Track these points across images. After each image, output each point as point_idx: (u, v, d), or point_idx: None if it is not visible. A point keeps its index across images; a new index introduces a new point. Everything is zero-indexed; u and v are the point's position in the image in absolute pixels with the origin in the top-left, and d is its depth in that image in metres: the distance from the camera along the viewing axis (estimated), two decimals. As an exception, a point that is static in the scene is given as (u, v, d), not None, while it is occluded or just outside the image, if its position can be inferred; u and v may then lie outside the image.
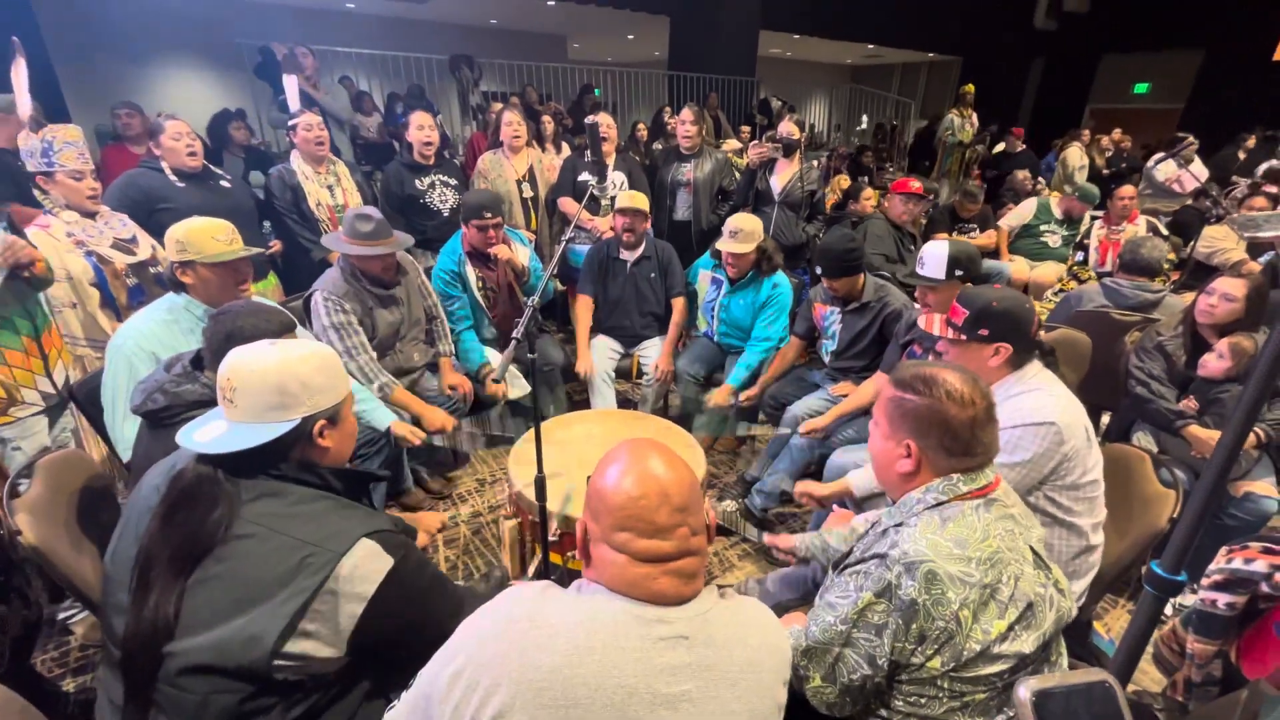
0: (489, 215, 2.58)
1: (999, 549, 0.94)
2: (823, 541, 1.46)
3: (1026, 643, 0.92)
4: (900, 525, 1.01)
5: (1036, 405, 1.37)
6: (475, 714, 0.71)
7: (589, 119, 1.68)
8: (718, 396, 2.61)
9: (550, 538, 1.61)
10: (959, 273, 1.95)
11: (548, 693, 0.71)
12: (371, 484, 1.15)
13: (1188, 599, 2.07)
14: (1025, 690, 0.37)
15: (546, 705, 0.70)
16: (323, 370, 1.02)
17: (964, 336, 1.46)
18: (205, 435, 0.97)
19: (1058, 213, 4.31)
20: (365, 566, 0.92)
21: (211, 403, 1.29)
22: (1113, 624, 2.05)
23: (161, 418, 1.33)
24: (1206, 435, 1.95)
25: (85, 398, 1.86)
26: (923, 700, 0.95)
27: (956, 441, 0.99)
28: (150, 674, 0.88)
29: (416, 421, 2.22)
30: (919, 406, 1.01)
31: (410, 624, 0.97)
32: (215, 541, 0.90)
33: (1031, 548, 0.99)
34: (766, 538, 1.60)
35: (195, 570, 0.90)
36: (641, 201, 2.79)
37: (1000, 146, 7.42)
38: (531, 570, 1.81)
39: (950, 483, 1.00)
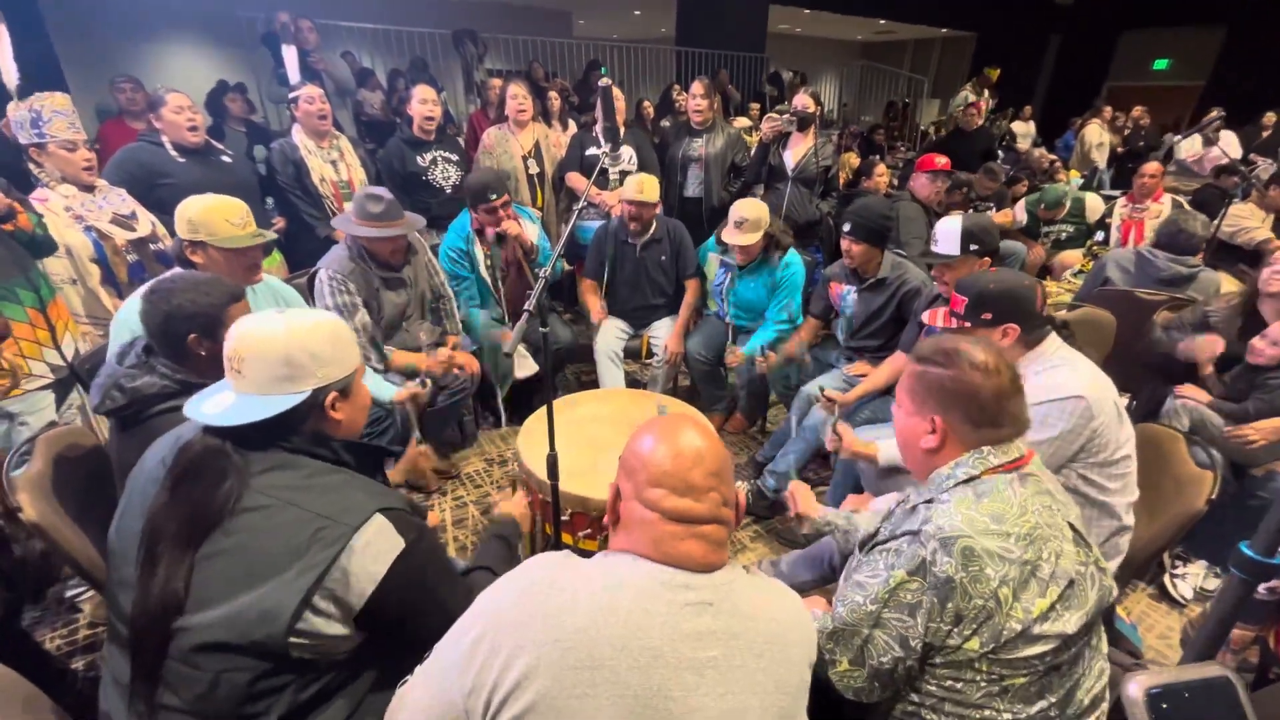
0: (494, 197, 2.51)
1: (1037, 524, 0.90)
2: (846, 520, 1.41)
3: (1069, 623, 0.88)
4: (931, 501, 0.96)
5: (1062, 380, 1.33)
6: (498, 679, 0.70)
7: (602, 81, 1.61)
8: (732, 359, 2.57)
9: (561, 517, 1.58)
10: (974, 246, 1.89)
11: (572, 654, 0.69)
12: (386, 459, 1.12)
13: (1214, 584, 2.04)
14: (1137, 688, 0.32)
15: (571, 667, 0.69)
16: (332, 341, 0.99)
17: (968, 324, 1.43)
18: (213, 407, 0.94)
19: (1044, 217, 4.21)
20: (377, 545, 0.89)
21: (172, 395, 1.26)
22: (1133, 608, 2.01)
23: (126, 415, 1.28)
24: (1195, 392, 1.96)
25: (88, 374, 1.83)
26: (958, 684, 0.91)
27: (983, 413, 0.95)
28: (159, 650, 0.86)
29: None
30: (943, 378, 0.98)
31: (417, 608, 0.94)
32: (224, 514, 0.87)
33: (1070, 524, 0.95)
34: (791, 486, 1.52)
35: (204, 543, 0.87)
36: (650, 192, 2.68)
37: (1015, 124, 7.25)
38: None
39: (980, 455, 0.96)
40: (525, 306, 1.19)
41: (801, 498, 1.48)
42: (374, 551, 0.88)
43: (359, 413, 1.07)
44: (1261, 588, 1.21)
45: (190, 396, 0.98)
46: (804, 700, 0.81)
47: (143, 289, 1.71)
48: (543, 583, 0.76)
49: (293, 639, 0.84)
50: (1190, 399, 2.01)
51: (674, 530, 0.78)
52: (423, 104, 3.00)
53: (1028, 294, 1.41)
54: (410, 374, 2.23)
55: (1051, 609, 0.88)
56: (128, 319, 1.65)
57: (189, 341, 1.27)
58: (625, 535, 0.82)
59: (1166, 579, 2.07)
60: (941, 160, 3.36)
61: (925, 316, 1.64)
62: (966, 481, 0.95)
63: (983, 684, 0.90)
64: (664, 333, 2.84)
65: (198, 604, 0.85)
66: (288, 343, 0.94)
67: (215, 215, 1.66)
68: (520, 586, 0.77)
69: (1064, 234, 4.22)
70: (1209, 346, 1.99)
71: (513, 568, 0.84)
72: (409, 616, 0.94)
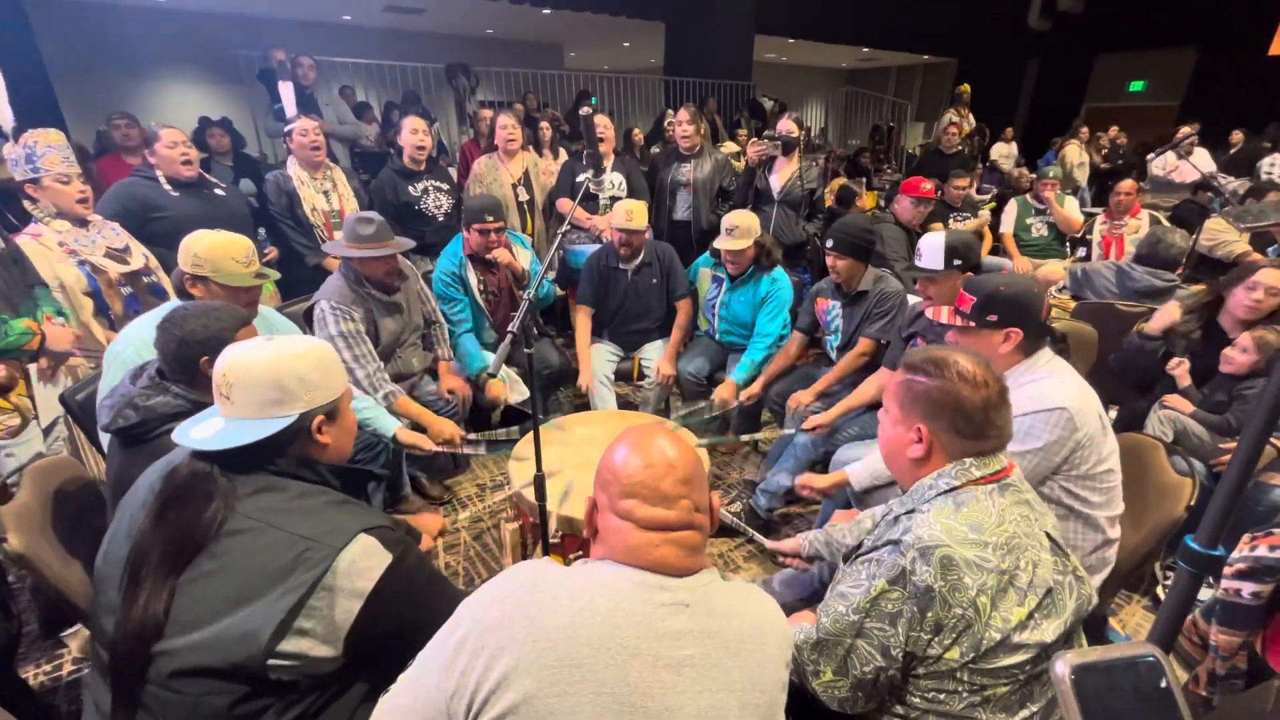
0: (490, 219, 2.56)
1: (1015, 534, 0.91)
2: (826, 537, 1.42)
3: (1048, 631, 0.89)
4: (912, 512, 0.97)
5: (1047, 392, 1.33)
6: (480, 680, 0.71)
7: (582, 111, 1.66)
8: (722, 392, 2.57)
9: (551, 539, 1.57)
10: (957, 262, 1.93)
11: (552, 653, 0.71)
12: (371, 485, 1.13)
13: (1204, 592, 2.04)
14: (1063, 666, 0.33)
15: (550, 666, 0.70)
16: (320, 366, 1.01)
17: (972, 323, 1.42)
18: (202, 432, 0.95)
19: (1034, 202, 4.34)
20: (363, 562, 0.89)
21: (185, 414, 1.26)
22: (1127, 620, 2.01)
23: (135, 434, 1.29)
24: (1179, 403, 1.98)
25: (77, 405, 1.83)
26: (941, 695, 0.92)
27: (970, 424, 0.96)
28: (138, 675, 0.86)
29: (421, 429, 2.17)
30: (930, 388, 0.98)
31: (407, 624, 0.94)
32: (209, 538, 0.88)
33: (1048, 534, 0.96)
34: (769, 544, 1.56)
35: (188, 568, 0.87)
36: (639, 220, 2.72)
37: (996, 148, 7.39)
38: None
39: (963, 467, 0.97)
40: (509, 328, 1.21)
41: (785, 546, 1.52)
42: (360, 568, 0.89)
43: (345, 437, 1.08)
44: (1245, 592, 1.21)
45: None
46: (783, 698, 0.82)
47: (139, 320, 1.74)
48: (524, 586, 0.78)
49: (271, 661, 0.84)
50: (1175, 410, 2.03)
51: (649, 538, 0.80)
52: (413, 134, 3.07)
53: (1036, 301, 1.41)
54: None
55: (1030, 618, 0.88)
56: (122, 350, 1.66)
57: (201, 364, 1.30)
58: (603, 545, 0.84)
59: (1160, 591, 2.07)
60: (926, 186, 3.43)
61: (930, 312, 1.64)
62: (947, 492, 0.96)
63: (965, 694, 0.90)
64: (655, 355, 2.87)
65: (179, 628, 0.85)
66: (276, 367, 0.96)
67: (221, 252, 1.69)
68: (502, 590, 0.79)
69: (1047, 227, 4.30)
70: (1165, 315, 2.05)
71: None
72: (400, 630, 0.93)
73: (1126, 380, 2.23)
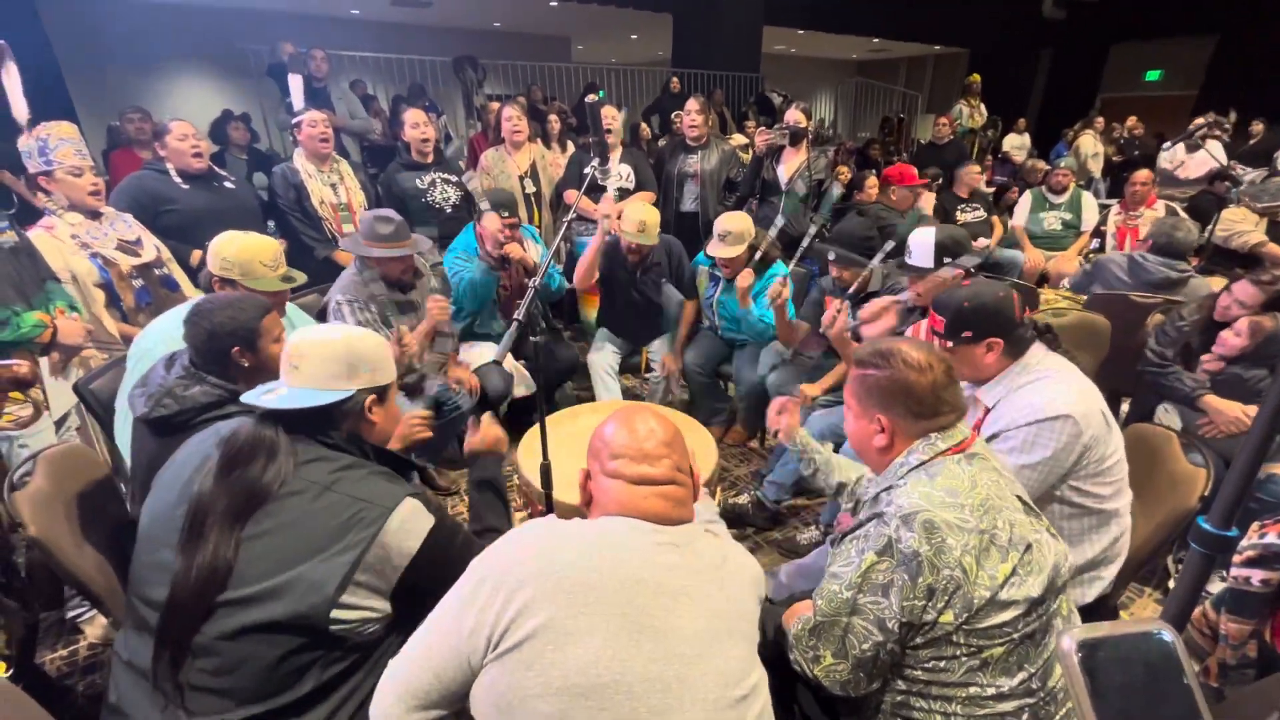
0: (507, 215, 2.56)
1: (989, 496, 0.95)
2: (824, 459, 1.45)
3: (1033, 586, 0.92)
4: (890, 488, 1.02)
5: (1049, 398, 1.30)
6: (499, 612, 0.78)
7: (588, 98, 1.65)
8: (774, 289, 2.41)
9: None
10: (947, 259, 1.90)
11: (567, 581, 0.79)
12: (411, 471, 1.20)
13: (1215, 584, 2.02)
14: (1070, 641, 0.33)
15: (566, 591, 0.78)
16: (378, 351, 1.13)
17: (950, 343, 1.41)
18: (270, 396, 1.04)
19: (1049, 196, 4.27)
20: (411, 523, 0.98)
21: (222, 404, 1.33)
22: (1139, 613, 1.99)
23: (172, 423, 1.32)
24: (1225, 405, 1.90)
25: (92, 395, 1.85)
26: (941, 663, 0.94)
27: (923, 406, 1.02)
28: (195, 625, 0.90)
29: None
30: (881, 379, 1.04)
31: (447, 579, 0.98)
32: (270, 495, 0.95)
33: (1018, 496, 1.00)
34: (784, 400, 1.56)
35: (248, 524, 0.93)
36: (651, 234, 2.64)
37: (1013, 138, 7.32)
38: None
39: (929, 442, 1.02)
40: (515, 315, 1.21)
41: (789, 417, 1.52)
42: (409, 529, 0.98)
43: (390, 422, 1.17)
44: (1255, 579, 1.20)
45: (234, 406, 1.09)
46: (755, 634, 0.90)
47: (164, 316, 1.75)
48: (536, 534, 0.87)
49: (334, 612, 0.90)
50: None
51: (638, 491, 0.90)
52: (414, 128, 3.06)
53: (1004, 305, 1.37)
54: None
55: (1014, 573, 0.92)
56: (150, 347, 1.64)
57: (233, 354, 1.35)
58: (597, 508, 0.93)
59: (1172, 584, 2.05)
60: (898, 173, 3.49)
61: (909, 331, 1.64)
62: (918, 466, 1.01)
63: (963, 658, 0.92)
64: (662, 349, 2.86)
65: (240, 580, 0.91)
66: (346, 345, 1.08)
67: (250, 256, 1.72)
68: (516, 537, 0.88)
69: (1060, 222, 4.25)
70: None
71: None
72: (440, 587, 0.97)
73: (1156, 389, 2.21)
